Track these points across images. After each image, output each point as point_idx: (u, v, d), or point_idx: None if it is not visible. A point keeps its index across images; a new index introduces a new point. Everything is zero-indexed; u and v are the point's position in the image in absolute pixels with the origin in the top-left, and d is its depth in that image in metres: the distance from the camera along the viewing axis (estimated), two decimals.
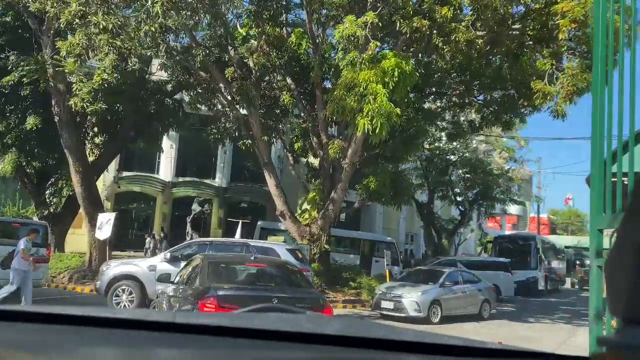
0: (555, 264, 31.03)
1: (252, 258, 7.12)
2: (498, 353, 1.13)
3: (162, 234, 25.35)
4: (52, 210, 18.70)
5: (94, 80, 13.39)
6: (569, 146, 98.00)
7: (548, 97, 11.49)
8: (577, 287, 37.60)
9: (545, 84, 11.42)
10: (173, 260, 11.70)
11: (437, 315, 13.01)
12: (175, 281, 7.49)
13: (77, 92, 13.84)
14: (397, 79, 11.60)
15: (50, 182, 19.39)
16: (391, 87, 11.38)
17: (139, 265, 12.15)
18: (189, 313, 3.86)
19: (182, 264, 10.73)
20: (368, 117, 11.02)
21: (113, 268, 12.05)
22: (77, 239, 22.47)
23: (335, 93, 11.99)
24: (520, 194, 34.46)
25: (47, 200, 18.98)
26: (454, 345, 1.10)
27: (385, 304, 13.11)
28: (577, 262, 45.77)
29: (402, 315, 12.59)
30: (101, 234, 15.83)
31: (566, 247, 40.15)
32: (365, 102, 11.08)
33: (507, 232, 39.72)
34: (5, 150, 17.73)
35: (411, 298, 12.83)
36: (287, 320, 1.32)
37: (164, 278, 7.64)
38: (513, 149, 31.33)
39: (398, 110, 11.35)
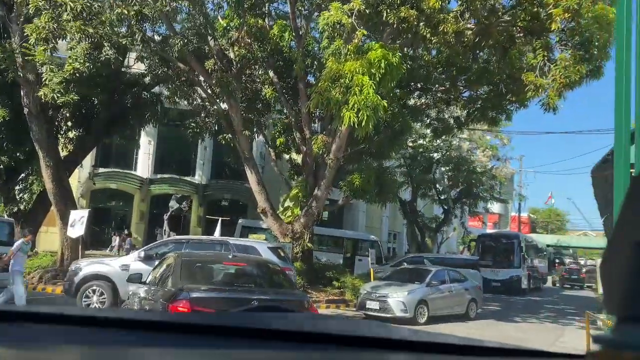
0: (537, 262, 31.08)
1: (230, 256, 6.53)
2: (496, 352, 1.12)
3: (125, 232, 24.66)
4: (22, 207, 17.83)
5: (65, 70, 12.66)
6: (550, 144, 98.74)
7: (540, 90, 11.14)
8: (557, 285, 37.88)
9: (537, 77, 11.08)
10: (147, 259, 11.09)
11: (424, 316, 12.63)
12: (147, 281, 6.91)
13: (47, 82, 13.09)
14: (383, 70, 11.15)
15: (20, 177, 18.50)
16: (377, 79, 10.92)
17: (110, 264, 11.50)
18: (185, 313, 3.76)
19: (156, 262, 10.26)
20: (354, 109, 10.54)
21: (83, 268, 11.36)
22: (51, 238, 21.60)
23: (319, 85, 11.48)
24: (502, 192, 34.41)
25: (17, 197, 18.09)
26: (453, 343, 1.10)
27: (370, 304, 12.68)
28: (557, 261, 46.25)
29: (388, 315, 12.16)
30: (73, 232, 15.08)
31: (547, 245, 40.37)
32: (351, 94, 10.60)
33: (490, 231, 39.72)
34: None
35: (397, 298, 12.43)
36: (283, 319, 1.38)
37: (135, 278, 7.02)
38: (496, 147, 31.21)
39: (385, 102, 10.89)
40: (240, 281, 6.40)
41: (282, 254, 12.24)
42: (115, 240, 23.18)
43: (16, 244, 10.41)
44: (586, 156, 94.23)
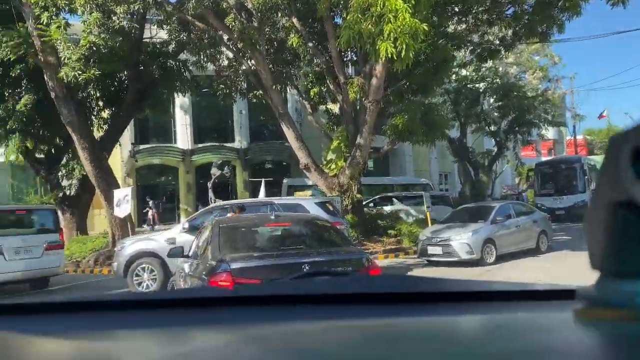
0: None
1: (273, 217, 5.80)
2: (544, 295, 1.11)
3: (150, 203, 24.60)
4: (67, 192, 17.84)
5: (81, 45, 12.07)
6: (604, 56, 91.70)
7: None
8: None
9: None
10: (192, 229, 10.60)
11: (492, 255, 11.75)
12: (189, 254, 6.33)
13: (67, 61, 12.58)
14: None
15: (61, 163, 18.47)
16: (413, 2, 9.69)
17: (156, 239, 11.09)
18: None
19: None
20: (390, 39, 9.42)
21: (129, 246, 11.03)
22: (102, 220, 21.84)
23: (348, 18, 10.35)
24: (556, 115, 32.20)
25: (61, 182, 18.11)
26: (505, 290, 1.16)
27: (432, 250, 11.91)
28: None
29: (453, 259, 11.37)
30: (120, 212, 14.92)
31: None
32: (385, 22, 9.45)
33: (546, 158, 37.72)
34: (7, 135, 16.76)
35: (461, 240, 11.57)
36: (334, 283, 1.51)
37: (176, 253, 6.46)
38: (547, 67, 28.85)
39: (424, 26, 9.66)
40: (287, 244, 5.68)
41: (330, 208, 11.53)
42: (149, 214, 23.07)
43: None
44: None
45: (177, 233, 10.93)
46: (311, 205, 10.99)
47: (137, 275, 10.67)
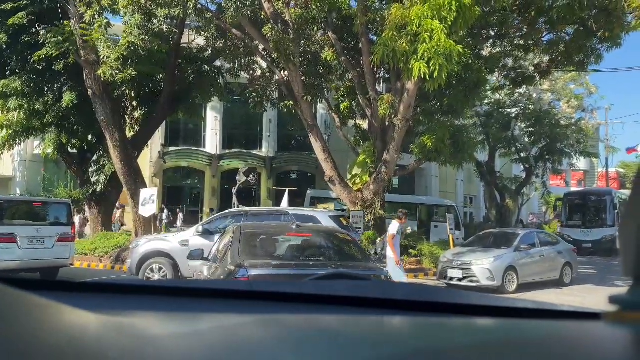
0: None
1: (294, 227, 5.81)
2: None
3: (162, 205, 24.66)
4: (96, 188, 18.22)
5: (120, 44, 12.41)
6: None
7: None
8: None
9: None
10: (206, 233, 10.79)
11: (513, 283, 11.49)
12: (209, 258, 6.40)
13: (105, 60, 12.94)
14: (455, 13, 9.89)
15: (92, 160, 18.91)
16: (449, 23, 9.69)
17: (169, 240, 11.30)
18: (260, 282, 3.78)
19: (216, 236, 9.97)
20: (424, 59, 9.42)
21: (143, 245, 11.27)
22: (127, 217, 22.20)
23: (383, 35, 10.38)
24: (588, 146, 31.53)
25: (91, 178, 18.52)
26: (524, 308, 1.14)
27: (452, 273, 11.70)
28: None
29: (473, 284, 11.12)
30: (145, 211, 15.17)
31: None
32: (420, 41, 9.47)
33: (575, 189, 36.89)
34: (44, 129, 17.26)
35: (482, 265, 11.35)
36: (355, 287, 1.47)
37: (196, 255, 6.54)
38: (582, 97, 28.32)
39: (460, 47, 9.64)
40: (306, 254, 5.68)
41: (345, 222, 11.47)
42: (163, 215, 23.29)
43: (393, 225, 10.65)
44: None
45: (191, 236, 11.12)
46: (325, 217, 10.96)
47: (148, 273, 10.87)
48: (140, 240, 11.97)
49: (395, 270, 9.75)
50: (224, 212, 12.50)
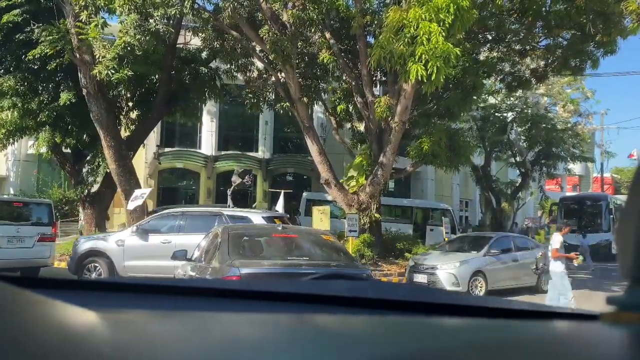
0: None
1: (280, 228, 5.91)
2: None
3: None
4: (90, 189, 18.10)
5: (116, 44, 12.33)
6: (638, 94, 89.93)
7: None
8: None
9: None
10: (142, 233, 10.85)
11: (481, 289, 11.20)
12: (192, 258, 6.40)
13: (101, 60, 12.85)
14: (453, 16, 9.87)
15: (86, 159, 18.79)
16: (447, 25, 9.66)
17: (107, 240, 11.30)
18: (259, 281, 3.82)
19: (151, 236, 10.37)
20: (421, 61, 9.38)
21: (82, 244, 11.31)
22: (122, 219, 22.06)
23: (381, 37, 10.34)
24: (584, 151, 31.62)
25: (85, 178, 18.39)
26: (522, 309, 1.15)
27: (418, 278, 11.39)
28: None
29: None
30: (131, 205, 15.14)
31: None
32: (417, 44, 9.43)
33: (570, 194, 37.03)
34: (38, 128, 17.12)
35: (447, 270, 11.06)
36: (350, 287, 1.45)
37: (180, 255, 6.55)
38: (578, 101, 28.39)
39: (457, 50, 9.61)
40: (292, 255, 5.79)
41: (279, 223, 11.35)
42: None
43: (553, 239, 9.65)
44: None
45: (127, 235, 11.13)
46: (258, 218, 10.86)
47: (85, 273, 10.93)
48: (82, 238, 12.04)
49: (562, 285, 9.17)
50: (160, 212, 12.62)
